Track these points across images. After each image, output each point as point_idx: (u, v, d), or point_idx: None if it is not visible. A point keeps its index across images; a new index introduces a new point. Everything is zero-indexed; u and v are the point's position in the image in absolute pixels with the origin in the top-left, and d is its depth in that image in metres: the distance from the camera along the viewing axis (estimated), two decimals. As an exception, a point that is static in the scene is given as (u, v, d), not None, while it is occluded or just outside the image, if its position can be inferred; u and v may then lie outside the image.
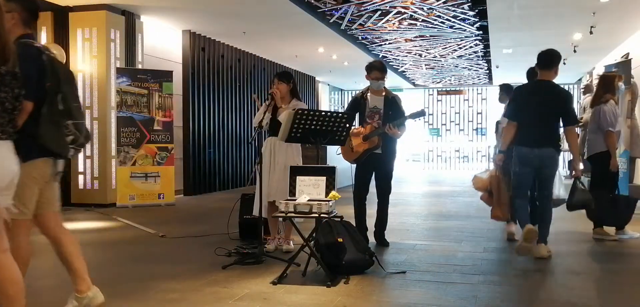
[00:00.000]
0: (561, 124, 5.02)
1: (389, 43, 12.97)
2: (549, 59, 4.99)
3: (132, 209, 8.50)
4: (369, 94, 5.44)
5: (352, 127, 5.15)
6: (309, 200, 4.21)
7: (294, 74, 15.85)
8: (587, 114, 7.27)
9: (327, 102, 20.92)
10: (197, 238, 5.96)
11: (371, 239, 5.45)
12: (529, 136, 4.85)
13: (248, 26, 10.58)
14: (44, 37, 8.94)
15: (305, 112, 4.56)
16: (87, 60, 8.81)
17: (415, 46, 13.34)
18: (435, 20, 10.68)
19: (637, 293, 4.02)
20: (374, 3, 9.53)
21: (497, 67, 15.65)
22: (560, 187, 5.61)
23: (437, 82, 20.45)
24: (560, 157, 5.71)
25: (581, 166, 5.54)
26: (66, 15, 8.85)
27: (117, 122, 8.80)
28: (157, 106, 9.07)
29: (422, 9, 9.91)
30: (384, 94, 5.42)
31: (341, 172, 5.32)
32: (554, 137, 4.94)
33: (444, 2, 9.56)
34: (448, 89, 21.45)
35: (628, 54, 10.93)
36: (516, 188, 5.08)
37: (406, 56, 14.78)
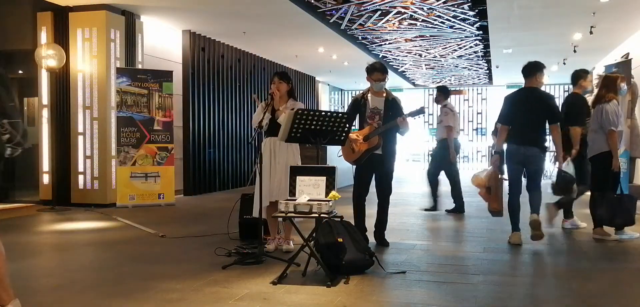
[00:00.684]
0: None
1: (389, 43, 12.97)
2: (529, 69, 5.63)
3: (132, 209, 8.50)
4: (369, 95, 5.43)
5: (351, 132, 5.15)
6: (309, 200, 4.21)
7: (294, 74, 15.88)
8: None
9: (327, 102, 20.92)
10: (197, 238, 5.96)
11: (371, 239, 5.45)
12: (516, 136, 5.54)
13: (248, 26, 10.58)
14: (44, 37, 8.95)
15: (305, 112, 4.56)
16: (87, 60, 8.81)
17: (415, 46, 13.34)
18: (435, 20, 10.68)
19: (637, 293, 4.02)
20: (374, 3, 9.53)
21: (497, 67, 15.65)
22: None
23: (437, 82, 20.45)
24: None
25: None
26: (66, 15, 8.86)
27: (117, 122, 8.80)
28: (157, 106, 9.07)
29: (422, 9, 9.92)
30: (384, 95, 5.42)
31: (341, 173, 5.31)
32: (539, 138, 5.52)
33: (444, 2, 9.56)
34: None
35: (628, 54, 10.94)
36: (510, 185, 5.65)
37: (406, 56, 14.78)
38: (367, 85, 5.48)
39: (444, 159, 8.17)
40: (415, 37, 12.27)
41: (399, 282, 4.12)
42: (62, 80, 8.90)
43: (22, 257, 5.16)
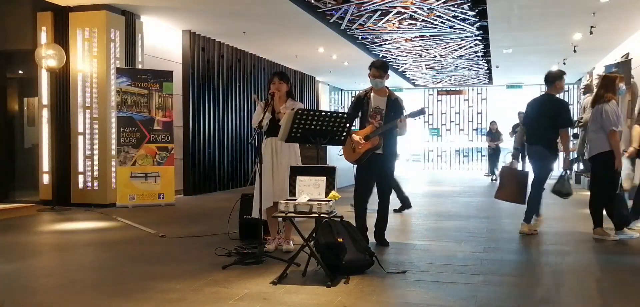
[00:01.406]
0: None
1: (389, 43, 12.97)
2: (547, 78, 6.22)
3: (132, 209, 8.50)
4: (372, 94, 5.44)
5: (351, 132, 5.14)
6: (309, 200, 4.21)
7: (294, 74, 15.86)
8: (587, 114, 7.28)
9: (327, 102, 20.92)
10: (197, 238, 5.96)
11: (371, 239, 5.45)
12: (529, 136, 6.24)
13: (248, 26, 10.58)
14: (44, 37, 8.95)
15: (306, 112, 4.55)
16: (87, 60, 8.81)
17: (415, 46, 13.34)
18: (435, 20, 10.68)
19: (637, 293, 4.02)
20: (374, 3, 9.54)
21: (497, 67, 15.64)
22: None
23: (437, 82, 20.45)
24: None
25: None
26: (66, 15, 8.86)
27: (117, 122, 8.80)
28: (157, 106, 9.07)
29: (422, 9, 9.92)
30: (387, 94, 5.42)
31: (342, 173, 5.31)
32: (545, 137, 6.00)
33: (444, 2, 9.56)
34: (448, 89, 21.45)
35: (628, 54, 10.94)
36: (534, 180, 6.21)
37: (406, 56, 14.77)
38: (370, 83, 5.49)
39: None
40: (415, 37, 12.27)
41: (399, 282, 4.12)
42: (62, 80, 8.90)
43: (22, 257, 5.16)
